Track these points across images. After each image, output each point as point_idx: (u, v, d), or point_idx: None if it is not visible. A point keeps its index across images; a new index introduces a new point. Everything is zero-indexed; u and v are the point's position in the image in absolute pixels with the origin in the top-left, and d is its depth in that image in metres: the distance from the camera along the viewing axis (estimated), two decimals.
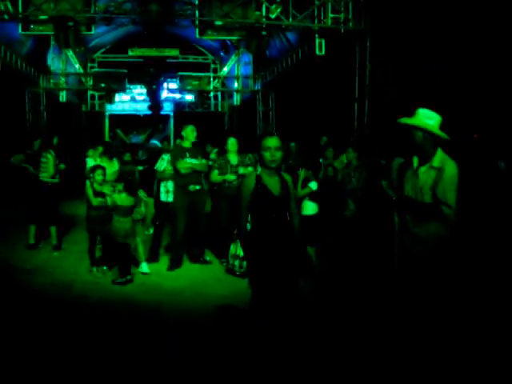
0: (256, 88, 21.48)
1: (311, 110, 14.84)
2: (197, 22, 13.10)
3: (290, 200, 4.69)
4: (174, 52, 14.91)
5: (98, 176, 7.99)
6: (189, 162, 8.20)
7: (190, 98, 24.19)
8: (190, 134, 8.37)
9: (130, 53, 16.72)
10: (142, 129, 28.15)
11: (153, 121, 25.30)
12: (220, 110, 25.66)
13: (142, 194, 8.28)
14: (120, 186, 7.62)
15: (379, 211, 7.12)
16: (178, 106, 24.98)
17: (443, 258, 4.74)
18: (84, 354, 5.13)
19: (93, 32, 13.12)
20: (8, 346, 5.23)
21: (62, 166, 9.79)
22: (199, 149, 8.56)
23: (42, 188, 9.43)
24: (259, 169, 4.63)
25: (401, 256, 5.03)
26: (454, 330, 5.09)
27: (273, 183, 4.55)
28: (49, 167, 9.40)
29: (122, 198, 7.57)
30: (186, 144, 8.37)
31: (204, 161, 8.45)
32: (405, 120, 4.88)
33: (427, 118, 4.78)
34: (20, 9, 12.09)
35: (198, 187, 8.34)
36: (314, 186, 8.04)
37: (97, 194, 7.93)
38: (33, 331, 5.63)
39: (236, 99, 23.11)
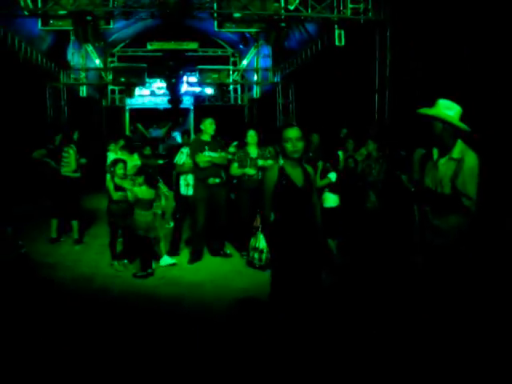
0: (275, 80, 21.39)
1: (331, 101, 14.74)
2: (215, 15, 13.05)
3: (313, 191, 4.68)
4: (193, 45, 14.88)
5: (119, 170, 8.02)
6: (208, 156, 8.20)
7: (209, 91, 24.16)
8: (208, 127, 8.36)
9: (149, 47, 16.74)
10: (162, 123, 28.24)
11: (173, 114, 25.32)
12: (240, 102, 25.64)
13: (162, 187, 8.32)
14: (140, 179, 7.64)
15: (400, 204, 7.06)
16: (198, 99, 24.99)
17: (464, 252, 4.70)
18: (104, 346, 5.17)
19: (111, 26, 13.15)
20: (30, 339, 5.28)
21: (84, 160, 9.87)
22: (219, 142, 8.54)
23: (64, 182, 9.53)
24: (281, 161, 4.62)
25: (422, 249, 5.00)
26: (471, 324, 5.03)
27: (296, 174, 4.54)
28: (71, 162, 9.48)
29: (143, 191, 7.60)
30: (205, 137, 8.37)
31: (223, 154, 8.44)
32: (424, 110, 4.83)
33: (447, 109, 4.73)
34: (39, 4, 12.16)
35: (217, 180, 8.35)
36: (333, 177, 8.05)
37: (118, 187, 7.97)
38: (54, 325, 5.68)
39: (256, 92, 23.06)
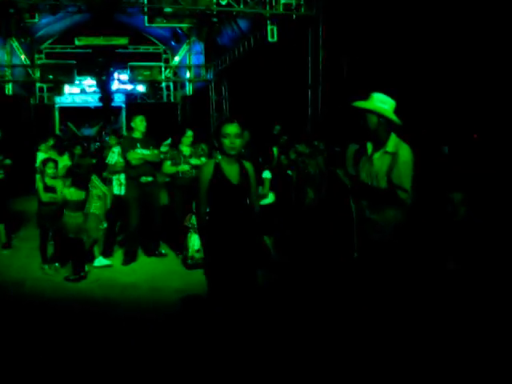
0: (208, 77, 21.30)
1: (264, 98, 14.78)
2: (145, 9, 12.84)
3: (250, 189, 4.57)
4: (123, 40, 14.58)
5: (50, 169, 7.76)
6: (140, 153, 8.03)
7: (141, 88, 23.79)
8: (139, 124, 8.19)
9: (77, 42, 16.29)
10: (94, 121, 27.68)
11: (104, 113, 24.86)
12: (173, 100, 25.38)
13: (101, 186, 8.06)
14: (68, 181, 7.41)
15: (337, 199, 7.10)
16: (130, 97, 24.60)
17: (400, 246, 4.73)
18: (35, 351, 4.97)
19: (36, 20, 12.75)
20: None
21: (8, 161, 9.37)
22: (151, 139, 8.35)
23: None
24: (219, 156, 4.52)
25: (359, 243, 5.01)
26: (411, 319, 5.08)
27: (232, 171, 4.43)
28: None
29: (72, 193, 7.35)
30: (137, 135, 8.18)
31: (156, 151, 8.27)
32: (359, 104, 4.83)
33: (382, 103, 4.75)
34: None
35: (150, 179, 8.16)
36: (267, 174, 7.96)
37: (48, 188, 7.72)
38: None
39: (188, 89, 22.89)
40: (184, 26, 15.26)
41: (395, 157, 4.63)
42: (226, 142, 4.35)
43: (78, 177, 7.41)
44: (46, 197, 7.72)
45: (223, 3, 12.61)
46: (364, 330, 4.89)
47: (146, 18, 13.03)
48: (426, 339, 4.95)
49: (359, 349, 4.74)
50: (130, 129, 8.79)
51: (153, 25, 13.47)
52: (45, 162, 7.91)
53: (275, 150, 9.70)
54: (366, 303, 4.96)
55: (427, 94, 8.90)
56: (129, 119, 8.67)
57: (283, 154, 9.35)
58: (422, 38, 8.90)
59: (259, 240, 4.68)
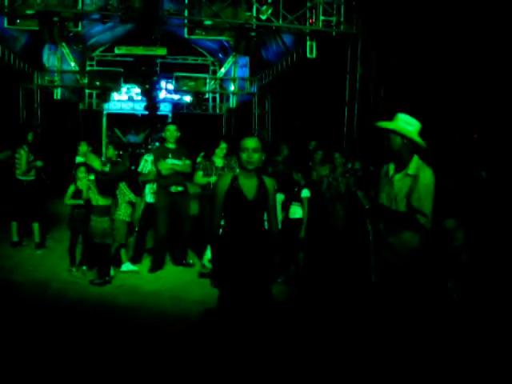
0: (252, 90, 21.39)
1: (303, 113, 14.79)
2: (185, 21, 13.01)
3: (267, 204, 4.51)
4: (162, 51, 14.74)
5: (81, 173, 7.93)
6: (170, 163, 8.11)
7: (188, 99, 24.07)
8: (170, 134, 8.28)
9: (117, 51, 16.59)
10: (141, 128, 28.08)
11: (151, 121, 25.21)
12: (218, 112, 25.57)
13: (128, 193, 8.17)
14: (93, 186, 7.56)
15: (357, 221, 7.03)
16: (176, 106, 24.89)
17: (417, 270, 4.65)
18: (55, 354, 5.02)
19: (79, 29, 13.06)
20: None
21: (39, 163, 9.54)
22: (185, 149, 8.42)
23: (18, 185, 9.31)
24: (237, 170, 4.53)
25: (376, 266, 4.95)
26: (429, 341, 5.00)
27: (249, 186, 4.38)
28: (21, 163, 9.21)
29: (97, 198, 7.49)
30: (170, 145, 8.27)
31: (188, 162, 8.31)
32: (384, 124, 4.78)
33: (407, 124, 4.69)
34: (6, 2, 11.95)
35: (179, 188, 8.23)
36: (306, 193, 7.85)
37: (78, 192, 7.87)
38: (4, 331, 5.52)
39: (232, 101, 23.04)
40: (223, 38, 15.31)
41: (416, 179, 4.56)
42: (244, 156, 4.32)
43: (101, 183, 7.53)
44: (70, 201, 7.91)
45: (263, 18, 12.67)
46: (375, 349, 4.83)
47: (185, 29, 13.17)
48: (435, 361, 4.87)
49: (369, 366, 4.68)
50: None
51: (192, 36, 13.61)
52: (77, 166, 8.08)
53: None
54: (380, 327, 4.90)
55: (468, 114, 8.76)
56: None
57: (313, 171, 9.29)
58: (463, 56, 8.77)
59: (273, 257, 4.58)
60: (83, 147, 10.33)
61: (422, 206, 4.51)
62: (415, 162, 4.66)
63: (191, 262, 8.70)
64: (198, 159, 9.17)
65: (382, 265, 4.85)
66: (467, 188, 7.22)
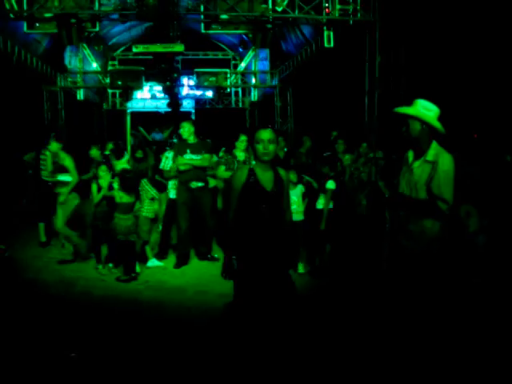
0: (273, 83, 21.32)
1: (324, 103, 14.72)
2: (202, 17, 13.02)
3: (283, 196, 4.51)
4: (179, 47, 14.72)
5: (102, 172, 8.01)
6: (188, 158, 8.14)
7: (210, 94, 24.07)
8: (183, 131, 8.36)
9: (134, 49, 16.64)
10: (165, 126, 28.21)
11: (174, 118, 25.30)
12: (241, 105, 25.56)
13: (150, 189, 8.25)
14: (116, 184, 7.62)
15: (377, 210, 7.00)
16: (199, 102, 24.94)
17: (438, 257, 4.61)
18: (85, 350, 5.09)
19: (97, 29, 13.16)
20: (10, 343, 5.22)
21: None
22: (206, 144, 8.45)
23: (44, 186, 9.34)
24: (253, 162, 4.53)
25: (392, 256, 4.91)
26: (448, 329, 4.94)
27: (266, 178, 4.39)
28: (47, 165, 9.24)
29: (121, 195, 7.56)
30: (189, 140, 8.30)
31: (207, 155, 8.32)
32: (402, 109, 4.74)
33: (426, 109, 4.64)
34: (25, 7, 12.08)
35: (199, 184, 8.27)
36: (331, 185, 7.80)
37: (101, 190, 7.96)
38: (33, 328, 5.61)
39: (254, 95, 22.96)
40: (240, 32, 15.32)
41: (435, 166, 4.52)
42: (260, 147, 4.31)
43: (125, 181, 7.59)
44: (98, 197, 7.99)
45: (279, 9, 12.62)
46: (398, 338, 4.79)
47: (202, 24, 13.19)
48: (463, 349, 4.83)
49: (395, 358, 4.65)
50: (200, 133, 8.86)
51: (209, 31, 13.63)
52: (98, 164, 8.17)
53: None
54: (393, 317, 4.86)
55: (488, 100, 8.64)
56: (198, 124, 8.75)
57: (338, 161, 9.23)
58: (482, 40, 8.65)
59: (292, 246, 4.59)
60: (108, 147, 10.36)
61: (442, 192, 4.47)
62: (434, 149, 4.61)
63: (216, 256, 8.73)
64: (220, 154, 9.20)
65: (402, 253, 4.81)
66: (493, 173, 7.13)
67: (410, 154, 4.82)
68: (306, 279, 7.49)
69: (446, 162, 4.53)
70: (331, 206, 7.93)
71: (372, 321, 5.56)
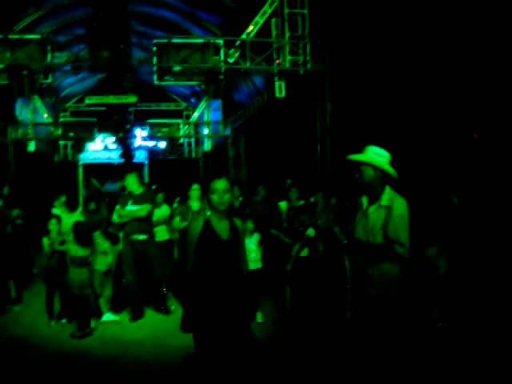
0: (226, 133, 21.55)
1: (277, 152, 14.90)
2: (155, 68, 13.16)
3: (240, 246, 4.52)
4: (132, 99, 14.80)
5: (51, 225, 7.86)
6: (126, 210, 8.10)
7: (163, 145, 24.14)
8: (128, 183, 8.32)
9: (87, 101, 16.66)
10: (118, 177, 27.91)
11: (127, 169, 25.12)
12: (194, 156, 25.66)
13: (102, 242, 8.11)
14: (71, 237, 7.48)
15: (334, 256, 7.04)
16: (152, 153, 24.94)
17: (398, 300, 4.63)
18: None
19: (50, 80, 13.10)
20: None
21: (15, 212, 9.47)
22: (149, 194, 8.36)
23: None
24: (208, 212, 4.52)
25: (356, 300, 4.92)
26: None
27: (222, 227, 4.39)
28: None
29: (76, 249, 7.41)
30: (134, 191, 8.24)
31: (146, 205, 8.14)
32: (356, 157, 4.81)
33: (377, 155, 4.73)
34: None
35: (140, 237, 8.11)
36: (311, 232, 7.95)
37: (52, 244, 7.79)
38: None
39: (207, 145, 23.16)
40: (193, 83, 15.56)
41: (390, 210, 4.59)
42: (215, 197, 4.34)
43: (79, 233, 7.46)
44: (48, 252, 7.80)
45: (231, 61, 12.87)
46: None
47: (155, 76, 13.32)
48: None
49: None
50: (154, 184, 8.80)
51: (162, 83, 13.75)
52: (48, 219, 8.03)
53: (285, 204, 9.64)
54: (360, 360, 4.84)
55: (435, 143, 8.91)
56: (152, 175, 8.74)
57: (292, 209, 9.29)
58: (429, 89, 8.96)
59: (250, 296, 4.56)
60: (61, 199, 10.20)
61: (399, 236, 4.52)
62: (388, 193, 4.69)
63: (173, 308, 8.57)
64: (175, 205, 9.14)
65: (362, 299, 4.82)
66: (440, 214, 7.27)
67: (364, 200, 4.89)
68: (265, 328, 7.41)
69: (400, 206, 4.61)
70: (306, 252, 8.06)
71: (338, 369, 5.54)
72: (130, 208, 8.08)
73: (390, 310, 4.61)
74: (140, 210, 8.07)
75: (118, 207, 8.60)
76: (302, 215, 8.20)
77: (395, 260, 4.60)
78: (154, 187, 10.37)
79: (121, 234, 8.55)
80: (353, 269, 4.93)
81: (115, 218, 8.63)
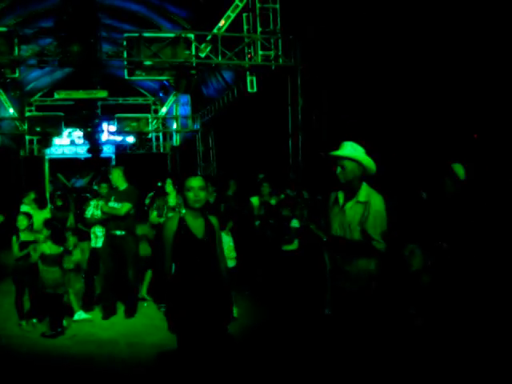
0: (195, 128, 21.45)
1: (249, 147, 14.90)
2: (125, 63, 13.00)
3: (216, 243, 4.50)
4: (103, 93, 14.61)
5: (20, 222, 7.69)
6: (107, 207, 8.00)
7: (131, 139, 23.94)
8: (112, 177, 8.15)
9: (56, 95, 16.36)
10: (85, 172, 27.70)
11: (94, 164, 24.91)
12: (162, 150, 25.51)
13: (71, 239, 8.01)
14: (44, 234, 7.34)
15: (312, 252, 7.06)
16: (119, 148, 24.73)
17: (376, 295, 4.67)
18: None
19: (17, 75, 12.81)
20: None
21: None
22: (131, 191, 8.22)
23: None
24: (183, 210, 4.48)
25: (334, 296, 4.94)
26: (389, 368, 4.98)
27: (197, 225, 4.37)
28: None
29: (49, 247, 7.27)
30: (119, 187, 8.10)
31: (127, 205, 7.98)
32: (336, 152, 4.81)
33: (355, 150, 4.75)
34: None
35: (117, 233, 8.00)
36: (295, 223, 8.31)
37: (23, 243, 7.60)
38: None
39: (176, 139, 23.06)
40: (163, 78, 15.46)
41: (367, 206, 4.62)
42: (190, 195, 4.30)
43: (55, 231, 7.33)
44: (18, 252, 7.61)
45: (202, 55, 12.80)
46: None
47: (125, 71, 13.15)
48: None
49: None
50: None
51: (132, 78, 13.59)
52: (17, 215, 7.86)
53: (256, 199, 9.63)
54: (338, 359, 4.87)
55: (406, 138, 9.00)
56: None
57: (264, 204, 9.30)
58: (400, 84, 9.04)
59: (227, 294, 4.55)
60: (30, 196, 10.04)
61: (377, 232, 4.56)
62: (365, 189, 4.72)
63: (145, 305, 8.54)
64: (147, 201, 9.05)
65: (341, 295, 4.85)
66: (410, 209, 7.33)
67: (340, 195, 4.89)
68: (241, 323, 7.39)
69: (377, 202, 4.65)
70: (296, 245, 8.36)
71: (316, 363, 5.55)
72: (112, 204, 7.97)
73: (368, 306, 4.64)
74: (119, 208, 7.94)
75: (92, 202, 8.53)
76: (284, 209, 8.42)
77: (372, 256, 4.63)
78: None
79: (94, 230, 8.48)
80: (331, 265, 4.93)
81: (88, 214, 8.54)
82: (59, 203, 10.13)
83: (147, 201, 9.10)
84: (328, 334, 5.08)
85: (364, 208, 4.63)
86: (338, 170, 4.76)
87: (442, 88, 8.54)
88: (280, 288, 8.20)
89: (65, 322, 7.45)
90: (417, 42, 8.74)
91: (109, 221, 8.03)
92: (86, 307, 8.31)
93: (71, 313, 7.85)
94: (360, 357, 4.68)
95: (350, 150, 4.75)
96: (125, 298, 8.38)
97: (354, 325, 4.70)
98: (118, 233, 8.00)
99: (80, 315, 7.89)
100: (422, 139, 8.80)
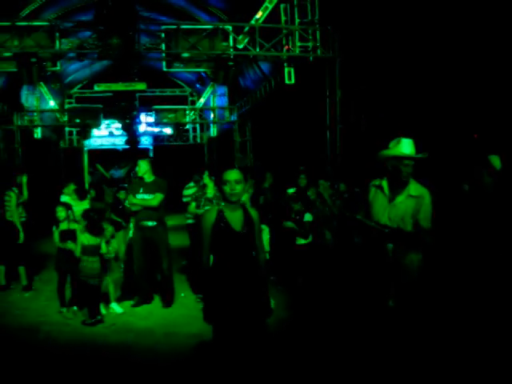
0: (232, 119, 21.49)
1: (285, 139, 14.86)
2: (163, 55, 13.09)
3: (255, 235, 4.48)
4: (142, 86, 14.76)
5: (59, 213, 7.81)
6: (138, 199, 8.04)
7: (168, 131, 24.14)
8: (140, 169, 8.20)
9: (96, 88, 16.58)
10: (123, 163, 28.02)
11: (132, 155, 25.18)
12: (199, 141, 25.66)
13: (110, 229, 8.09)
14: (81, 225, 7.46)
15: (368, 244, 7.00)
16: (157, 139, 24.95)
17: (428, 286, 4.77)
18: None
19: (58, 68, 13.06)
20: None
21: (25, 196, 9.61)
22: (161, 183, 8.20)
23: (9, 227, 9.09)
24: (222, 203, 4.50)
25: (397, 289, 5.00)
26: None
27: (235, 218, 4.36)
28: (12, 206, 9.07)
29: (87, 238, 7.39)
30: (146, 178, 8.15)
31: (159, 195, 8.03)
32: (413, 153, 4.87)
33: (412, 147, 4.87)
34: None
35: (149, 224, 8.05)
36: (309, 217, 8.37)
37: (62, 233, 7.74)
38: None
39: (213, 131, 23.13)
40: (201, 70, 15.50)
41: (420, 200, 4.73)
42: (227, 188, 4.31)
43: (92, 222, 7.43)
44: (59, 243, 7.76)
45: (240, 47, 12.77)
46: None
47: (163, 63, 13.23)
48: None
49: None
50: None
51: (171, 70, 13.66)
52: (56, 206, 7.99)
53: (293, 190, 9.61)
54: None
55: (448, 130, 8.88)
56: (156, 161, 8.62)
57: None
58: (440, 75, 8.90)
59: (264, 287, 4.55)
60: (70, 187, 10.18)
61: (429, 225, 4.71)
62: (414, 183, 4.83)
63: (183, 295, 8.59)
64: (185, 191, 9.07)
65: (400, 288, 4.93)
66: (451, 202, 7.24)
67: (385, 188, 4.93)
68: (276, 315, 7.38)
69: (428, 196, 4.77)
70: (310, 239, 8.42)
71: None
72: (142, 196, 8.03)
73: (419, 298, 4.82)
74: (152, 199, 8.00)
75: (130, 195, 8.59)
76: (295, 204, 8.48)
77: (422, 248, 4.82)
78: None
79: (131, 220, 8.58)
80: (393, 257, 4.95)
81: (127, 203, 8.61)
82: (92, 194, 10.25)
83: (186, 191, 9.10)
84: (392, 326, 5.06)
85: (416, 202, 4.75)
86: (405, 168, 4.79)
87: (479, 80, 8.40)
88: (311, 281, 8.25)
89: (103, 311, 7.57)
90: (461, 36, 8.59)
91: (138, 212, 8.09)
92: (125, 296, 8.43)
93: (107, 301, 7.96)
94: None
95: (412, 147, 4.85)
96: (161, 288, 8.48)
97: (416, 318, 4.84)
98: (150, 224, 8.05)
99: (114, 307, 7.98)
100: (462, 131, 8.68)
